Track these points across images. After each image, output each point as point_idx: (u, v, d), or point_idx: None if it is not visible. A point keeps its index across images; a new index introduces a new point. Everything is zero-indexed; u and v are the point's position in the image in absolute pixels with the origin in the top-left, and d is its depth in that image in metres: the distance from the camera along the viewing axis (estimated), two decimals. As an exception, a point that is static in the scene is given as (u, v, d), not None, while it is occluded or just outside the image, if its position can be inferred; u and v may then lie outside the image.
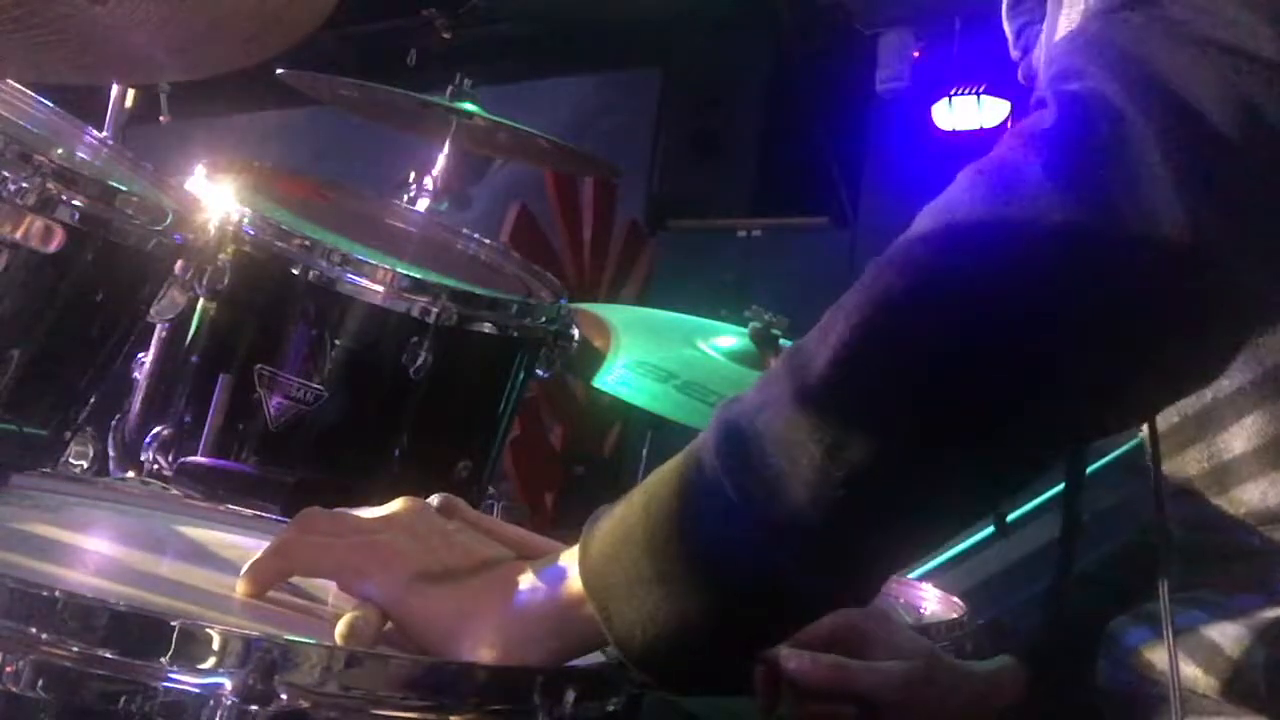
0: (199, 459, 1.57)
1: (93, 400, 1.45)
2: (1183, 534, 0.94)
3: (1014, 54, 1.08)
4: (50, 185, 1.25)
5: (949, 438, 0.69)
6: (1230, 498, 0.92)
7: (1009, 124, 4.34)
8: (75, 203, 1.28)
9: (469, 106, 2.29)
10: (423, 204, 2.20)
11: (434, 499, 0.90)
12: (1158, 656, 0.93)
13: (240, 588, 0.83)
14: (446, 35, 5.00)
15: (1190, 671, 0.90)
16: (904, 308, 0.70)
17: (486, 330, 1.68)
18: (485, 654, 0.76)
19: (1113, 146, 0.67)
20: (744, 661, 0.83)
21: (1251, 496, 0.91)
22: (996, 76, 4.39)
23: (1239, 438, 0.91)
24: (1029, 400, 0.69)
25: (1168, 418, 0.93)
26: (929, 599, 1.67)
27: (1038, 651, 1.12)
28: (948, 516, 0.74)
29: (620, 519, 0.75)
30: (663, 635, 0.72)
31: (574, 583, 0.76)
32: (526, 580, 0.79)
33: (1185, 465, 0.94)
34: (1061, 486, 1.07)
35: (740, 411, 0.73)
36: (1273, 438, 0.89)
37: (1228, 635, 0.89)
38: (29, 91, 1.47)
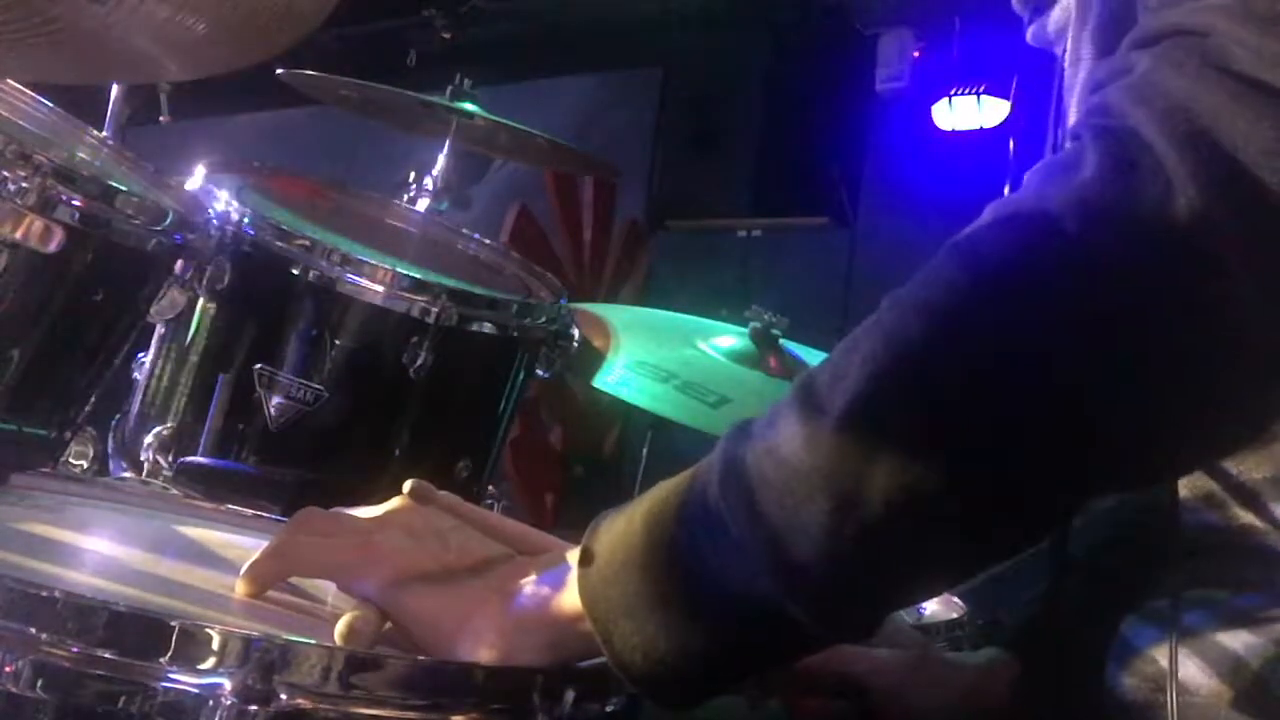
0: (199, 459, 1.57)
1: (93, 400, 1.45)
2: (1192, 532, 0.92)
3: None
4: (50, 185, 1.25)
5: (967, 492, 0.67)
6: (1258, 510, 0.89)
7: (1013, 124, 4.35)
8: (75, 203, 1.28)
9: (469, 106, 2.29)
10: (423, 204, 2.21)
11: (406, 485, 0.89)
12: (1163, 657, 0.89)
13: (239, 588, 0.83)
14: (446, 35, 5.01)
15: (1212, 685, 0.88)
16: (925, 358, 0.67)
17: (486, 330, 1.68)
18: (484, 655, 0.75)
19: (1151, 194, 0.64)
20: (742, 682, 0.83)
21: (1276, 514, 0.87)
22: (996, 76, 4.39)
23: (1262, 466, 0.88)
24: (1056, 453, 0.67)
25: (1195, 487, 0.90)
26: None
27: (1035, 647, 1.11)
28: (962, 567, 0.73)
29: (622, 537, 0.74)
30: (663, 661, 0.72)
31: (573, 596, 0.75)
32: (526, 585, 0.78)
33: (1207, 481, 0.91)
34: None
35: (749, 449, 0.70)
36: None
37: (1250, 646, 0.86)
38: (29, 91, 1.47)
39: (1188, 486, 0.90)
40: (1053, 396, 0.66)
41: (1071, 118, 0.85)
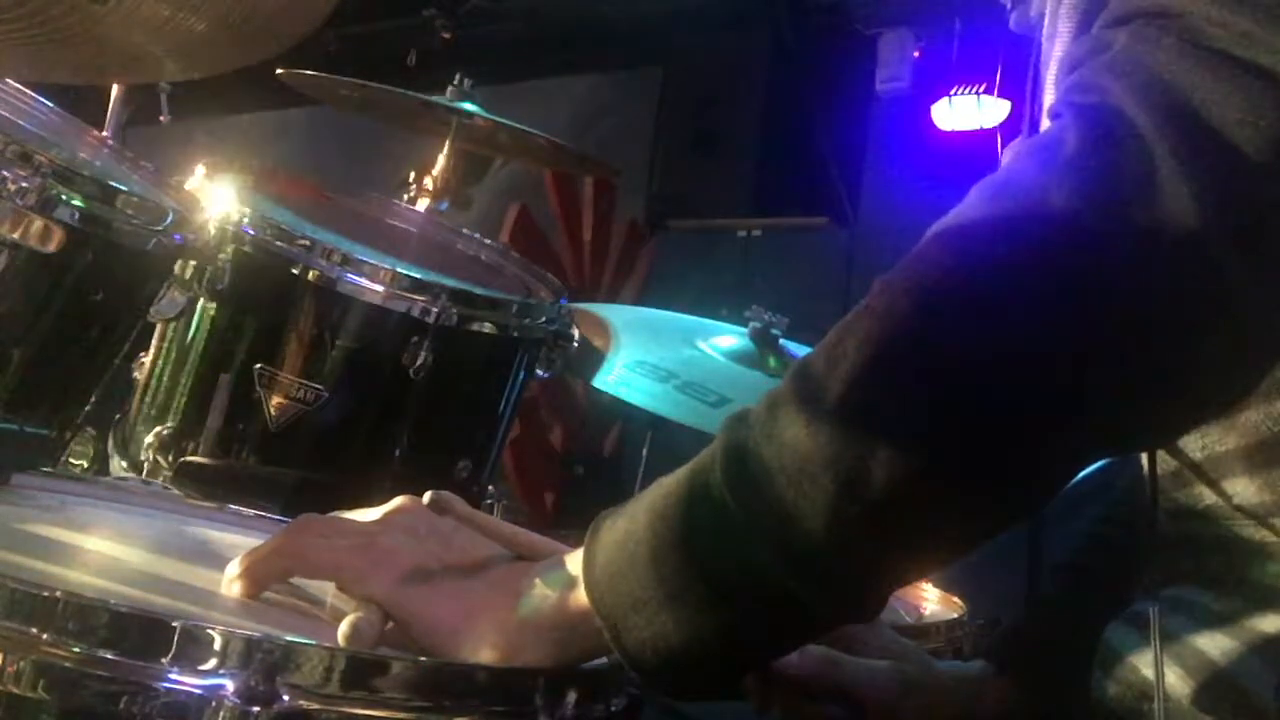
0: (199, 459, 1.57)
1: (93, 400, 1.45)
2: (1164, 521, 0.93)
3: None
4: (50, 185, 1.25)
5: (968, 466, 0.68)
6: (1221, 489, 0.90)
7: (1013, 124, 4.35)
8: (75, 203, 1.28)
9: (469, 106, 2.29)
10: (423, 204, 2.20)
11: (426, 496, 0.90)
12: (1146, 665, 0.91)
13: (237, 587, 0.83)
14: (446, 35, 5.00)
15: (1189, 691, 0.87)
16: (917, 334, 0.68)
17: (486, 330, 1.68)
18: (487, 655, 0.75)
19: (1132, 167, 0.66)
20: (751, 673, 0.83)
21: (1245, 494, 0.89)
22: (996, 76, 4.39)
23: (1228, 438, 0.89)
24: (1050, 421, 0.68)
25: (1165, 462, 0.91)
26: (929, 599, 1.67)
27: (1025, 656, 1.11)
28: (966, 539, 0.73)
29: (625, 535, 0.74)
30: (675, 654, 0.72)
31: (580, 595, 0.75)
32: (530, 585, 0.78)
33: (1193, 499, 0.92)
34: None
35: (748, 436, 0.71)
36: (1271, 502, 0.87)
37: (1226, 650, 0.87)
38: (29, 91, 1.47)
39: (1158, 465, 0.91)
40: (1043, 369, 0.67)
41: (1048, 93, 0.86)
